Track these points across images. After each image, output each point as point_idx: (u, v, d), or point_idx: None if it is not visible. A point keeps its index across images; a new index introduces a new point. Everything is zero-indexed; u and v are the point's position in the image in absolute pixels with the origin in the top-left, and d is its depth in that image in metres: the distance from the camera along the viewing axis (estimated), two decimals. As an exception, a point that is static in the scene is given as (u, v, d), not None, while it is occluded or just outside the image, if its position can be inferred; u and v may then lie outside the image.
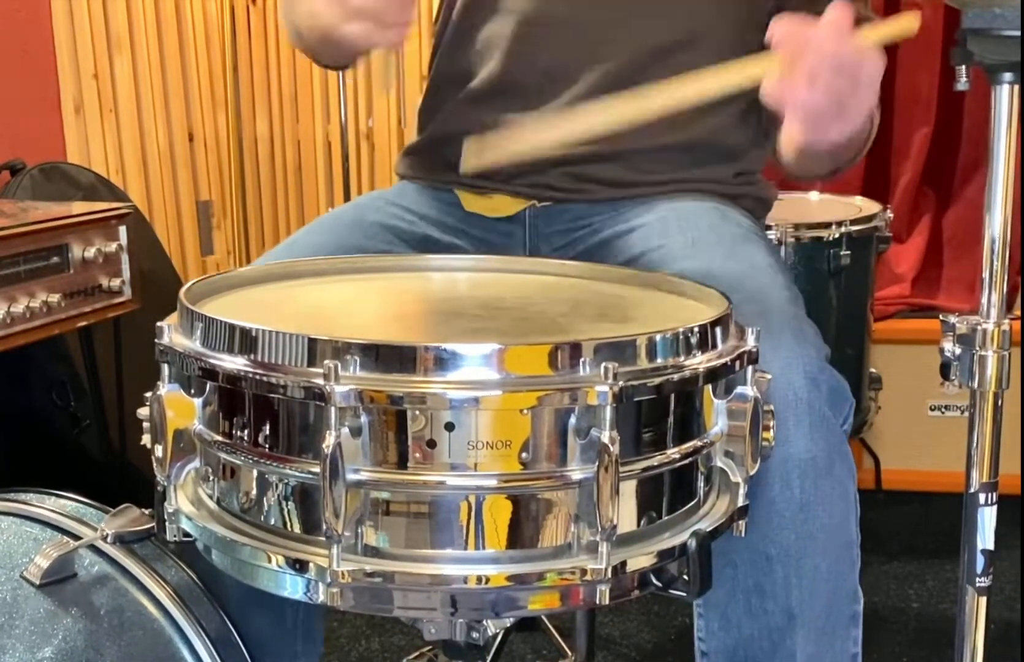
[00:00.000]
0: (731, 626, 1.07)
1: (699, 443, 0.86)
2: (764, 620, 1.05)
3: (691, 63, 1.29)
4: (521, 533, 0.79)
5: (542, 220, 1.35)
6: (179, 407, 0.86)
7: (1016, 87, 0.95)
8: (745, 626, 1.06)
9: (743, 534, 0.90)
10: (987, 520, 1.01)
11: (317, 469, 0.76)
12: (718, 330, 0.86)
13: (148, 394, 0.87)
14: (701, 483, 0.88)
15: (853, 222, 2.17)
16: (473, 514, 0.78)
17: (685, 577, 0.85)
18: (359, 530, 0.79)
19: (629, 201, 1.32)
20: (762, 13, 1.32)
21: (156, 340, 0.86)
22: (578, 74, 1.30)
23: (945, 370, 1.01)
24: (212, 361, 0.82)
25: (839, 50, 0.96)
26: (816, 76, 0.96)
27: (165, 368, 0.86)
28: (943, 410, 2.69)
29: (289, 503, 0.82)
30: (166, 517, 0.88)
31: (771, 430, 0.89)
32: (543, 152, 1.16)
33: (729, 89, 1.04)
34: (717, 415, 0.88)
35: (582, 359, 0.77)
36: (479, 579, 0.78)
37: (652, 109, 1.05)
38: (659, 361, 0.81)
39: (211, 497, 0.88)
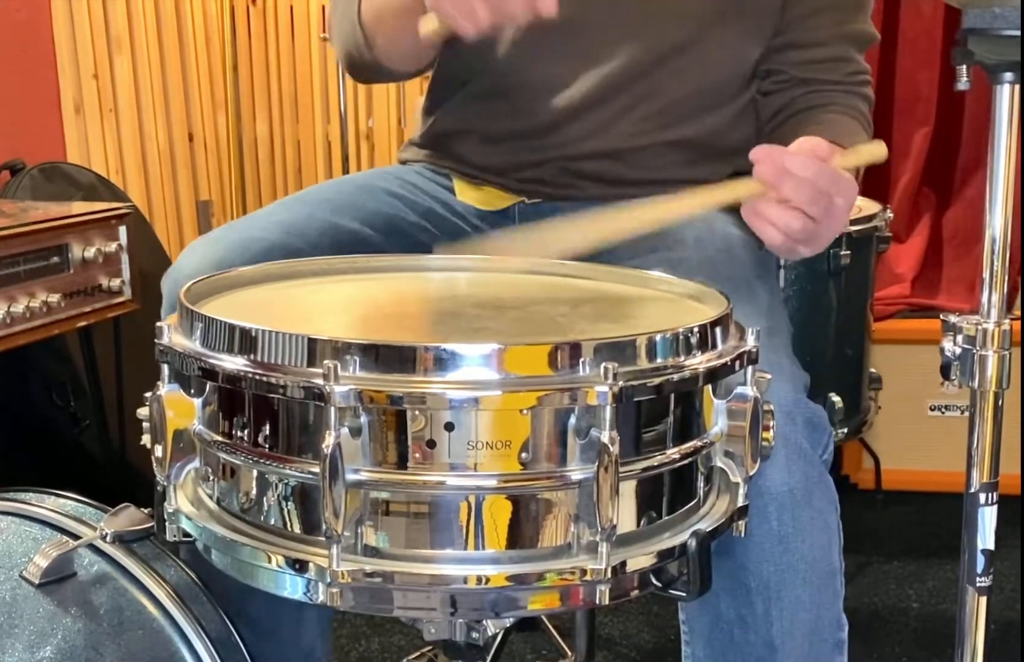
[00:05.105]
0: (715, 655, 1.08)
1: (699, 443, 0.86)
2: (747, 651, 1.05)
3: (690, 68, 1.30)
4: (521, 533, 0.79)
5: (532, 217, 1.35)
6: (179, 407, 0.86)
7: (1016, 87, 0.95)
8: (729, 656, 1.07)
9: (743, 534, 0.90)
10: (987, 520, 1.01)
11: (317, 469, 0.76)
12: (718, 330, 0.86)
13: (148, 394, 0.87)
14: (701, 483, 0.88)
15: (853, 222, 2.15)
16: (473, 514, 0.78)
17: (685, 577, 0.85)
18: (359, 530, 0.79)
19: (621, 202, 1.31)
20: (764, 24, 1.32)
21: (156, 340, 0.86)
22: (577, 77, 1.30)
23: (945, 370, 1.02)
24: (212, 361, 0.82)
25: (816, 179, 1.02)
26: (792, 202, 1.03)
27: (165, 368, 0.86)
28: (943, 410, 2.69)
29: (289, 503, 0.82)
30: (166, 517, 0.88)
31: (771, 430, 0.89)
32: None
33: (709, 207, 1.13)
34: (717, 415, 0.88)
35: (582, 359, 0.77)
36: (479, 579, 0.78)
37: (627, 227, 1.12)
38: (659, 361, 0.81)
39: (211, 497, 0.88)
